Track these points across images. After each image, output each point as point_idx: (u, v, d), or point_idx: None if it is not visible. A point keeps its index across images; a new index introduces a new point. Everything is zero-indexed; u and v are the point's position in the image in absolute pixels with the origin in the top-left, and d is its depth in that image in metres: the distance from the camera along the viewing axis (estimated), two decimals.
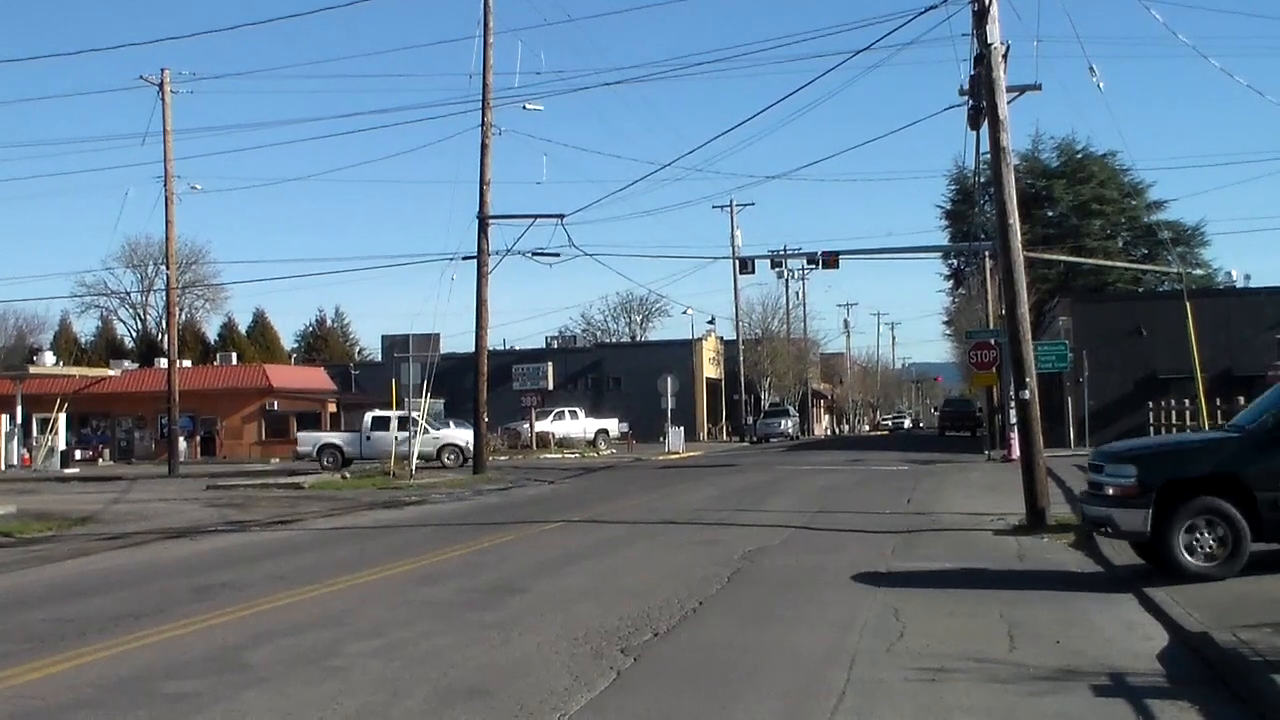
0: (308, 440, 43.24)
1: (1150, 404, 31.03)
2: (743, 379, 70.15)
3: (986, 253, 42.93)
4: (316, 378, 66.63)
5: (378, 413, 42.12)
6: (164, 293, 55.65)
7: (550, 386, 64.36)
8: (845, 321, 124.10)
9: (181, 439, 46.92)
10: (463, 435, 41.91)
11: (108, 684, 8.02)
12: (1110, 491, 11.69)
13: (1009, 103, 17.90)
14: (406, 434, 38.65)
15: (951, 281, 74.01)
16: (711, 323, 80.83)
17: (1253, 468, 11.18)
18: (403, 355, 33.45)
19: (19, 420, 48.12)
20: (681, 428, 55.00)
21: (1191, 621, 9.07)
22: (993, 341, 38.27)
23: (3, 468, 46.02)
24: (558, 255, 35.46)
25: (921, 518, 18.94)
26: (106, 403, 57.32)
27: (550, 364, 68.21)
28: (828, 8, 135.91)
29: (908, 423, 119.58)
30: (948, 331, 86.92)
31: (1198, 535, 11.14)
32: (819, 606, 10.81)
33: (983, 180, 32.92)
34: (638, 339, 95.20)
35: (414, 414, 33.75)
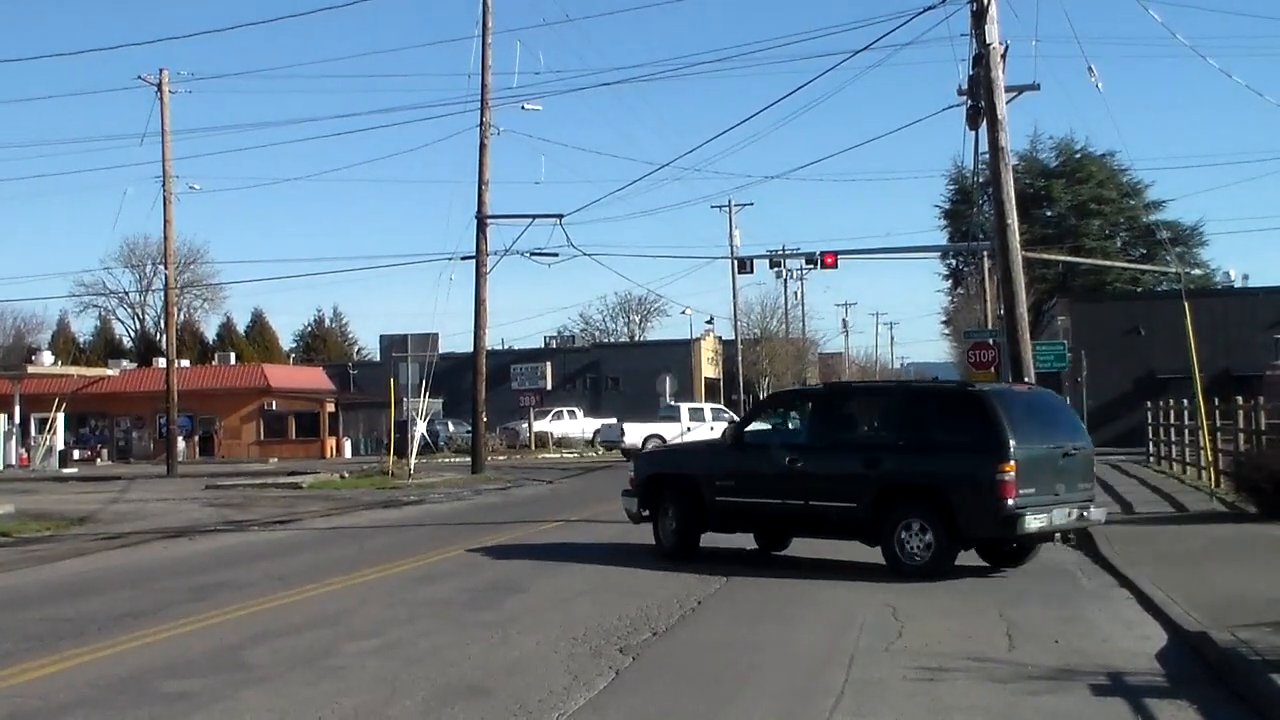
0: (634, 431, 43.38)
1: (1149, 403, 30.99)
2: (741, 379, 70.11)
3: (985, 252, 42.92)
4: (315, 377, 66.62)
5: (693, 404, 46.19)
6: (162, 292, 55.53)
7: (549, 386, 64.22)
8: (844, 321, 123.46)
9: (180, 439, 46.86)
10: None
11: (107, 683, 8.01)
12: (628, 484, 15.00)
13: (1007, 103, 17.93)
14: (723, 424, 40.80)
15: (950, 281, 74.16)
16: (710, 322, 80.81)
17: (703, 470, 14.16)
18: (401, 355, 33.41)
19: (17, 420, 48.06)
20: None
21: (1190, 621, 9.07)
22: (991, 341, 38.16)
23: (1, 467, 45.98)
24: (556, 255, 35.55)
25: None
26: (105, 402, 57.28)
27: (549, 364, 68.02)
28: (826, 8, 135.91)
29: None
30: (946, 331, 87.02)
31: (664, 521, 14.23)
32: (817, 606, 10.81)
33: (981, 180, 32.95)
34: (636, 339, 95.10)
35: (412, 414, 33.72)
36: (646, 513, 14.58)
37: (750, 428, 14.51)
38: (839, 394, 14.45)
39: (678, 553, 13.92)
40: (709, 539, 15.15)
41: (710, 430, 43.75)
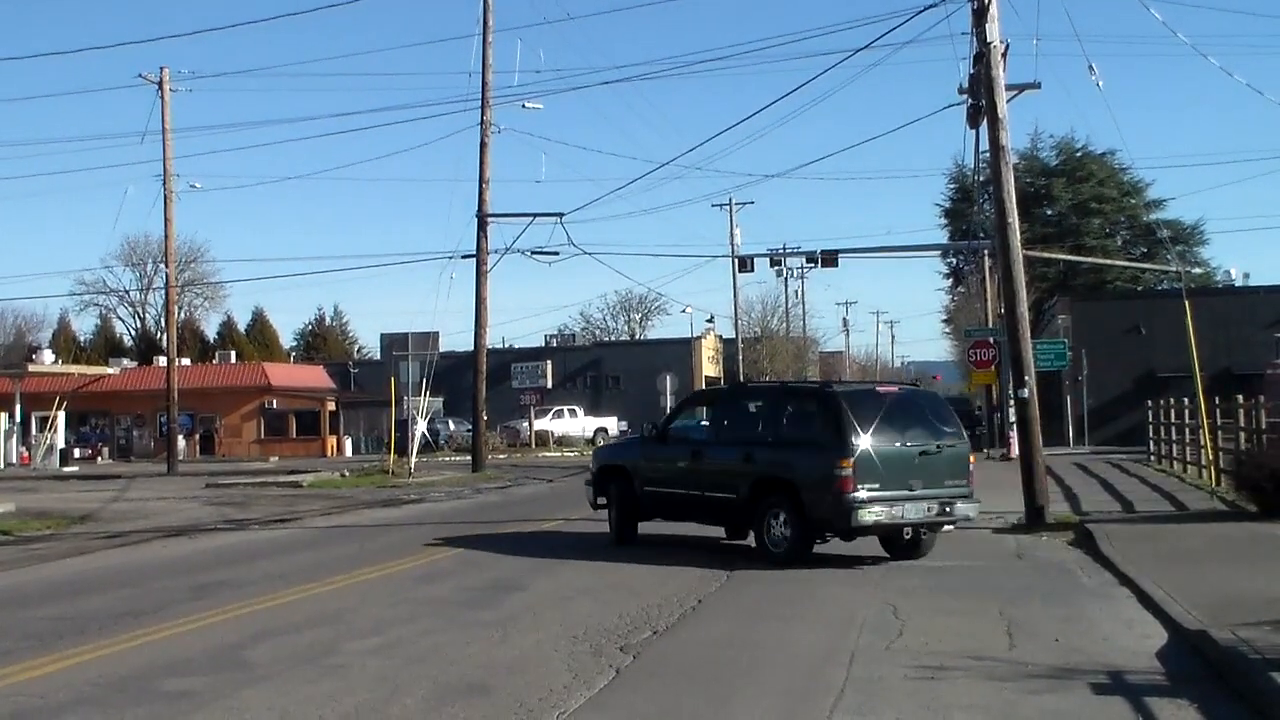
0: None
1: (1149, 402, 30.99)
2: (742, 377, 70.06)
3: (985, 251, 42.88)
4: (315, 376, 66.59)
5: None
6: (163, 291, 55.62)
7: (549, 385, 64.23)
8: (844, 320, 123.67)
9: (180, 437, 46.85)
10: None
11: (108, 682, 8.02)
12: (588, 476, 16.64)
13: (1008, 101, 17.89)
14: None
15: (951, 280, 73.99)
16: (711, 321, 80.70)
17: (634, 462, 15.56)
18: (402, 354, 33.40)
19: (18, 418, 48.08)
20: None
21: (1190, 619, 9.07)
22: (992, 340, 38.26)
23: (2, 466, 45.99)
24: (557, 254, 35.49)
25: None
26: (105, 401, 57.28)
27: (549, 362, 68.08)
28: (827, 7, 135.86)
29: None
30: (947, 330, 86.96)
31: (611, 509, 15.64)
32: (817, 604, 10.82)
33: (982, 179, 32.93)
34: (637, 337, 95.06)
35: (413, 412, 33.71)
36: (603, 501, 15.90)
37: (674, 424, 15.83)
38: (735, 393, 15.78)
39: (619, 538, 15.40)
40: (718, 535, 15.21)
41: None
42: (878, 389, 14.67)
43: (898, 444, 13.05)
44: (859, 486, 12.60)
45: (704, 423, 15.96)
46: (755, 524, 13.59)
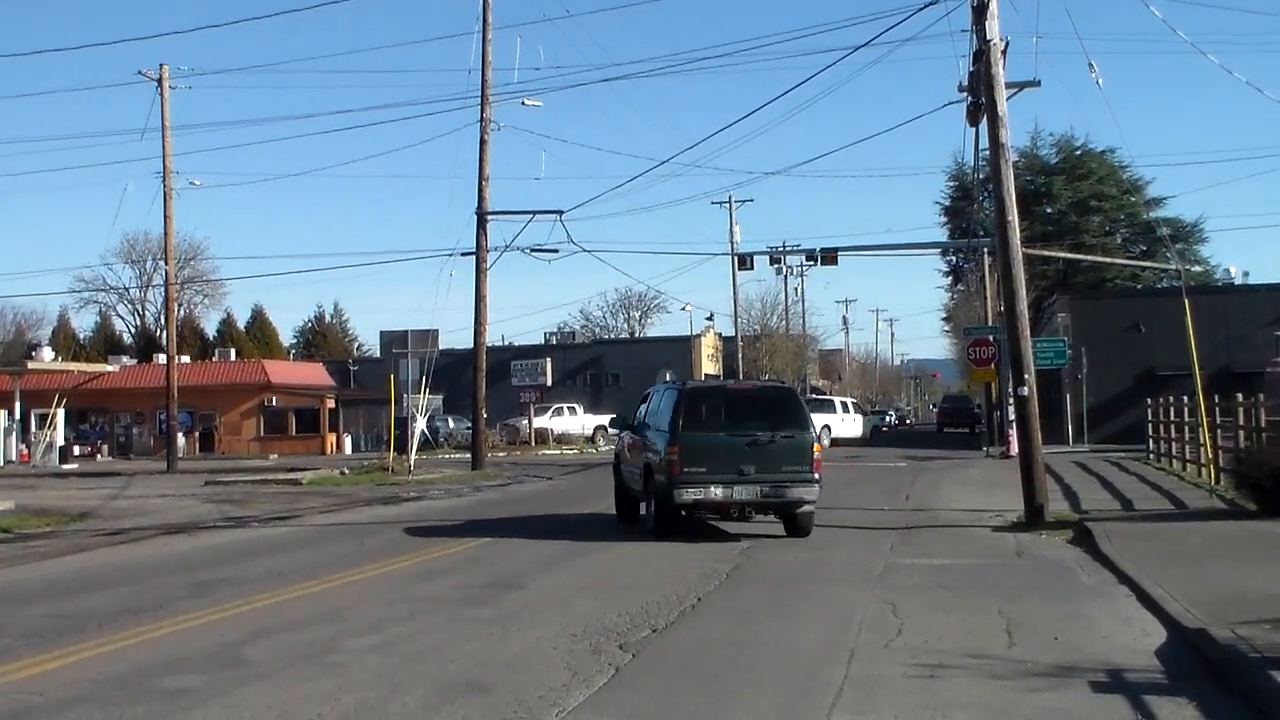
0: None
1: (1149, 400, 30.99)
2: (741, 375, 70.05)
3: (985, 249, 42.91)
4: (315, 373, 66.57)
5: (840, 398, 54.71)
6: (163, 288, 55.59)
7: (549, 383, 64.16)
8: (844, 318, 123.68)
9: (180, 435, 46.83)
10: None
11: (107, 679, 8.02)
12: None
13: (1008, 99, 17.88)
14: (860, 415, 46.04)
15: (950, 278, 74.04)
16: (710, 319, 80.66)
17: (617, 449, 18.21)
18: (401, 351, 33.36)
19: (17, 416, 48.05)
20: None
21: (1189, 617, 9.07)
22: (991, 338, 38.29)
23: (1, 463, 45.98)
24: (556, 251, 35.44)
25: (920, 514, 18.95)
26: (105, 398, 57.24)
27: (549, 360, 68.00)
28: (827, 4, 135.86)
29: (891, 417, 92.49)
30: (946, 328, 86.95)
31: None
32: (817, 603, 10.82)
33: (982, 177, 32.93)
34: (636, 335, 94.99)
35: (413, 410, 33.68)
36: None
37: (636, 416, 17.75)
38: (657, 390, 17.56)
39: (618, 516, 17.79)
40: (726, 527, 15.21)
41: (846, 418, 52.15)
42: (726, 386, 18.04)
43: (727, 433, 15.02)
44: (684, 470, 14.65)
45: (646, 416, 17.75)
46: (645, 501, 15.96)
